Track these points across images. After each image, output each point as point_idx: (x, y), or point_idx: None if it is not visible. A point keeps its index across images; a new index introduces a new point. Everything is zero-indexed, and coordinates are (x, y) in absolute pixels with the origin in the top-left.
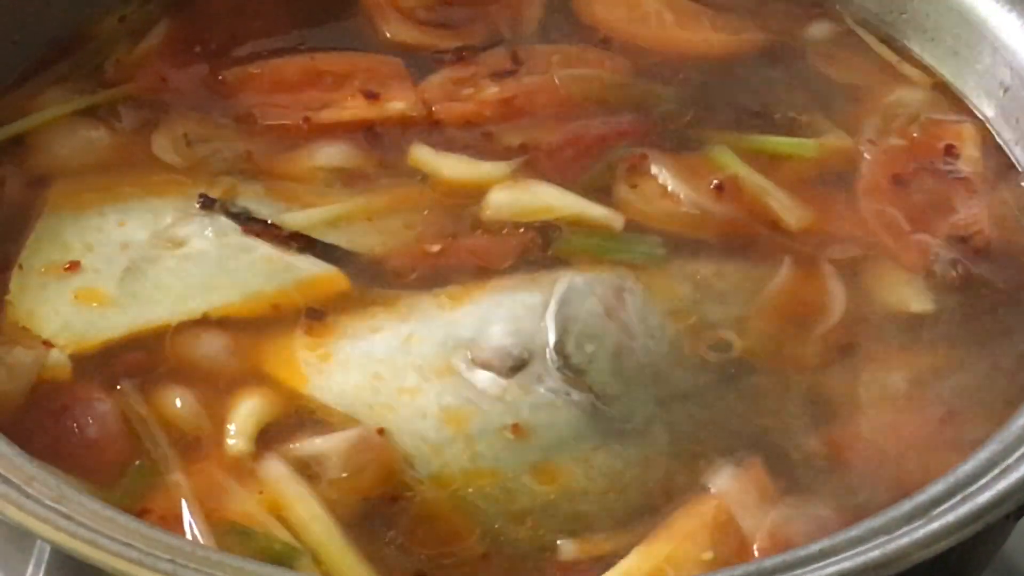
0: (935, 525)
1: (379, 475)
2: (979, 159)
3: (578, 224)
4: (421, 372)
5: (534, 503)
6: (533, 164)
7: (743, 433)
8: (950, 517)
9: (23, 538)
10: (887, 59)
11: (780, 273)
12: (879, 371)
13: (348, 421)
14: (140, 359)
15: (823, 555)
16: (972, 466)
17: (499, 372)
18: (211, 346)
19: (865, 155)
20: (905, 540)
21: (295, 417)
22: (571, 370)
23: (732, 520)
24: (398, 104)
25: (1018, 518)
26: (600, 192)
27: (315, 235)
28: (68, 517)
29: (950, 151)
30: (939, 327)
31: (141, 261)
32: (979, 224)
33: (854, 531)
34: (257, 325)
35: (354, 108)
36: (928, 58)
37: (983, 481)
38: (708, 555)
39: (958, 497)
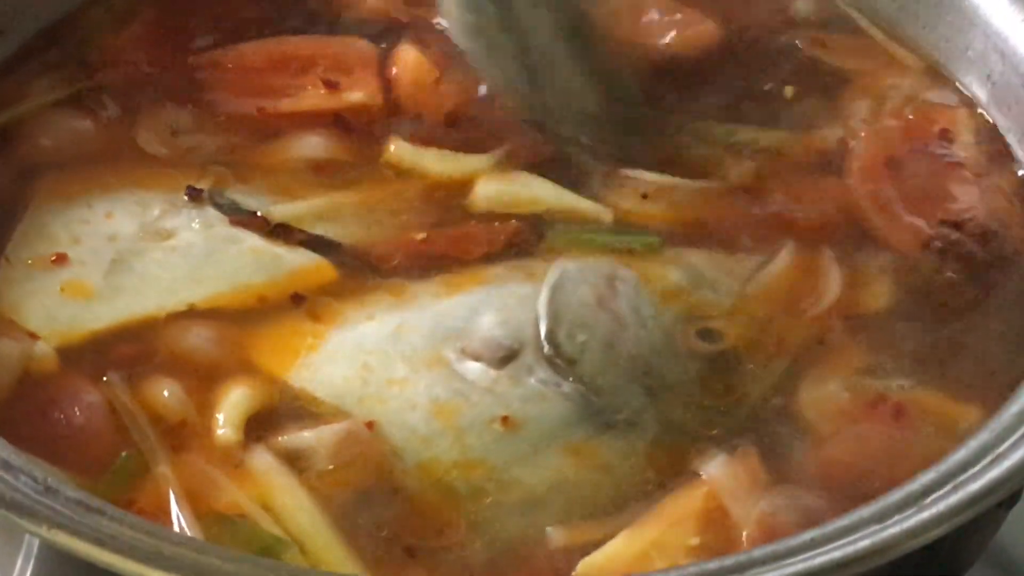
0: (926, 514)
1: (367, 467)
2: (973, 144)
3: (568, 217)
4: (410, 363)
5: (524, 494)
6: (513, 157)
7: (735, 423)
8: (941, 505)
9: (11, 531)
10: (879, 42)
11: (777, 259)
12: (868, 357)
13: (337, 413)
14: (128, 351)
15: (814, 544)
16: (964, 454)
17: (489, 363)
18: (199, 338)
19: (860, 134)
20: (896, 529)
21: (284, 408)
22: (562, 359)
23: (721, 508)
24: (357, 94)
25: (1010, 506)
26: (580, 187)
27: (302, 226)
28: (55, 510)
29: (944, 135)
30: (931, 311)
31: (128, 253)
32: (973, 210)
33: (845, 520)
34: (245, 316)
35: (313, 98)
36: (921, 44)
37: (975, 469)
38: (695, 541)
39: (950, 485)
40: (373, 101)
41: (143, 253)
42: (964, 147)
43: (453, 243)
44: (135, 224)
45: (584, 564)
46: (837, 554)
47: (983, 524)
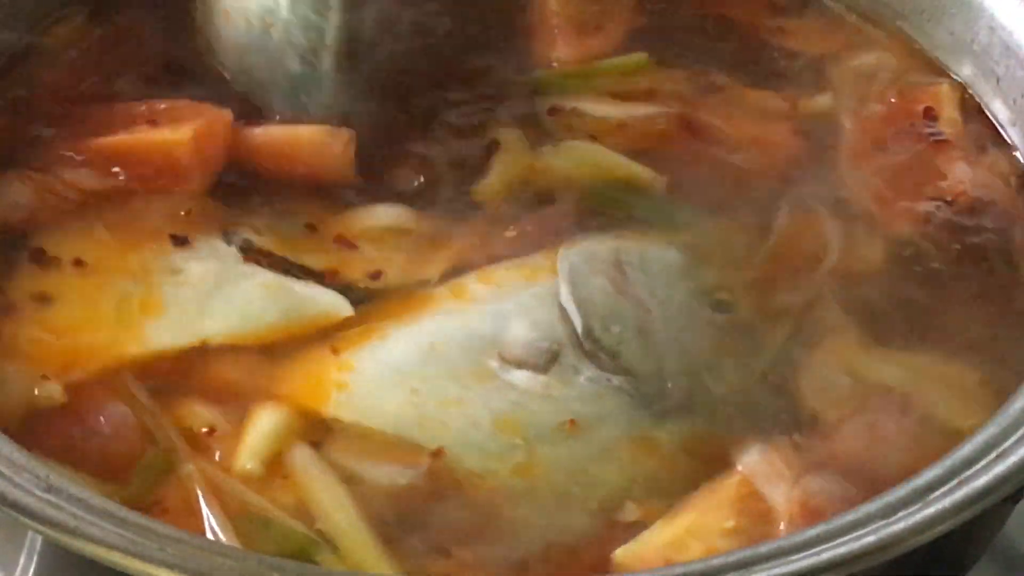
0: (932, 509)
1: (434, 489)
2: (958, 120)
3: (625, 185)
4: (458, 380)
5: (595, 492)
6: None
7: (769, 397)
8: (947, 501)
9: (14, 528)
10: (854, 26)
11: (777, 223)
12: (865, 345)
13: (400, 442)
14: (149, 381)
15: (819, 540)
16: (969, 449)
17: (535, 368)
18: (224, 369)
19: (845, 122)
20: (902, 524)
21: (331, 441)
22: (605, 354)
23: (756, 492)
24: (165, 133)
25: (1016, 502)
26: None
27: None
28: (58, 507)
29: (928, 113)
30: (924, 291)
31: (134, 288)
32: (962, 186)
33: (850, 516)
34: (267, 350)
35: (135, 132)
36: (925, 37)
37: (980, 465)
38: (730, 523)
39: (955, 481)
40: (186, 148)
41: (151, 289)
42: (949, 124)
43: (543, 227)
44: (146, 259)
45: (622, 551)
46: (842, 550)
47: (988, 520)
